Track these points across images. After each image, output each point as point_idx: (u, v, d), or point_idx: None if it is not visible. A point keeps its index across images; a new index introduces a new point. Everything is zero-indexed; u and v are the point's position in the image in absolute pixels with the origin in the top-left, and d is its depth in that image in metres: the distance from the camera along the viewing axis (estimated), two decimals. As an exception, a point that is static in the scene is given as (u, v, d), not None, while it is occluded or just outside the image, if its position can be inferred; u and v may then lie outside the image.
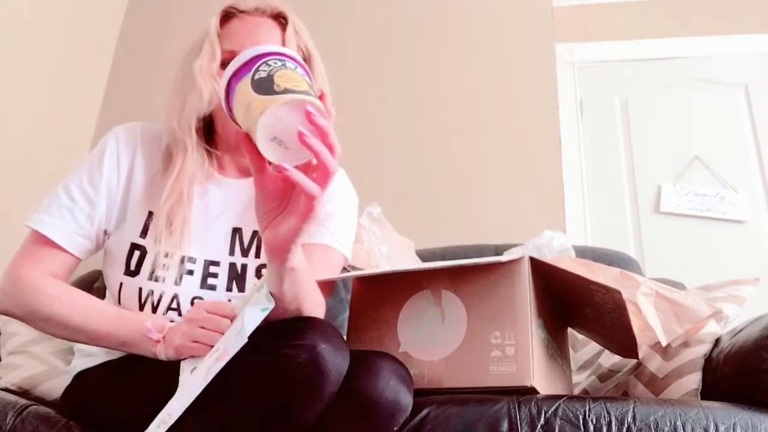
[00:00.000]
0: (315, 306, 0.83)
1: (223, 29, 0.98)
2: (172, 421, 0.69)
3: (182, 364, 0.79)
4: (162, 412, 0.71)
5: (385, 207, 1.70)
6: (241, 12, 1.00)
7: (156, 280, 0.91)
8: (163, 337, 0.83)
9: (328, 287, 0.98)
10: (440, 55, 2.25)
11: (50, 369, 1.30)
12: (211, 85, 0.93)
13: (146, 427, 0.73)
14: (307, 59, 1.01)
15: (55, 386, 1.25)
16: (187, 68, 0.96)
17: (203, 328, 0.79)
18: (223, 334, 0.78)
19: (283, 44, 0.97)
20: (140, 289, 0.91)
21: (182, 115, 0.95)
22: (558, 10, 2.36)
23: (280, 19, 1.01)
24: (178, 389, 0.73)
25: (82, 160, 0.99)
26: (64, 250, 0.92)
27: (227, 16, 1.00)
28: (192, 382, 0.72)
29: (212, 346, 0.78)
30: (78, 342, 0.92)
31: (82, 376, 0.95)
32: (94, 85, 2.30)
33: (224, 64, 0.95)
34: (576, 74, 2.40)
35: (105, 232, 0.96)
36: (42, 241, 0.91)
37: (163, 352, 0.82)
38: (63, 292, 0.89)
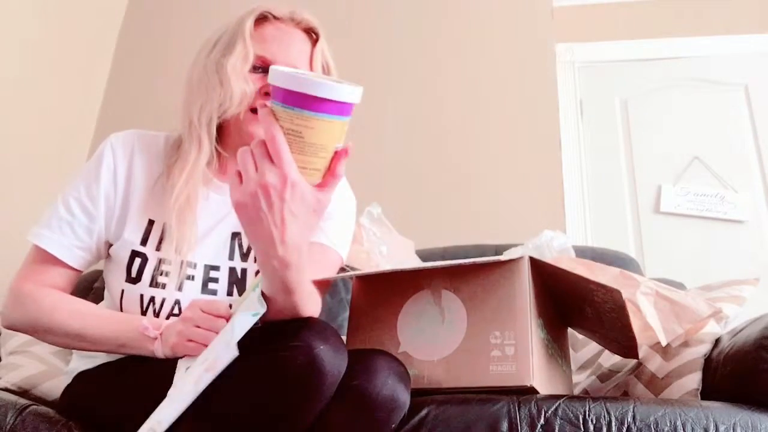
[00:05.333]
0: (312, 305, 0.83)
1: (255, 31, 0.97)
2: (161, 430, 0.69)
3: (179, 362, 0.79)
4: (150, 419, 0.71)
5: (385, 207, 1.70)
6: (276, 18, 0.99)
7: (157, 286, 0.91)
8: (160, 335, 0.83)
9: (324, 287, 0.98)
10: (440, 55, 2.26)
11: (50, 369, 1.31)
12: (242, 87, 0.93)
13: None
14: (327, 74, 1.02)
15: (55, 386, 1.25)
16: (213, 63, 0.95)
17: (198, 327, 0.79)
18: (218, 333, 0.78)
19: (311, 59, 1.00)
20: (141, 295, 0.91)
21: (203, 109, 0.94)
22: (558, 10, 2.36)
23: (312, 34, 1.02)
24: (168, 395, 0.73)
25: (79, 169, 0.98)
26: (65, 264, 0.92)
27: (261, 19, 0.99)
28: (182, 391, 0.71)
29: (207, 346, 0.78)
30: (80, 349, 0.92)
31: (81, 377, 0.95)
32: (94, 85, 2.30)
33: (254, 69, 0.95)
34: (576, 74, 2.41)
35: (107, 242, 0.96)
36: (42, 255, 0.92)
37: (160, 350, 0.82)
38: (61, 301, 0.90)
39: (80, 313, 0.88)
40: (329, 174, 0.68)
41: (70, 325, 0.87)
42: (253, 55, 0.95)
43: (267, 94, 0.94)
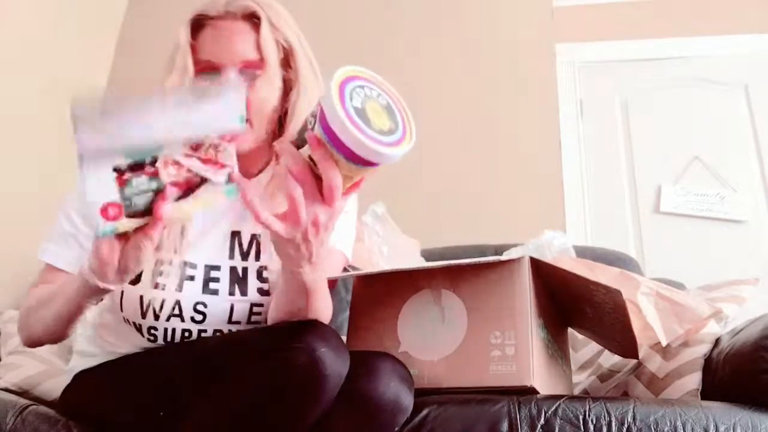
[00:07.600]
0: (326, 309, 0.82)
1: (196, 39, 0.93)
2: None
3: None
4: None
5: (386, 207, 1.70)
6: (212, 18, 0.94)
7: (157, 287, 0.90)
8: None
9: (329, 287, 0.98)
10: (440, 55, 2.26)
11: (50, 369, 1.31)
12: None
13: (144, 427, 0.72)
14: (288, 54, 0.95)
15: (55, 386, 1.25)
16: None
17: None
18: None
19: (259, 47, 0.92)
20: (141, 297, 0.90)
21: None
22: (558, 10, 2.36)
23: (253, 18, 0.94)
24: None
25: (77, 183, 0.98)
26: None
27: (198, 26, 0.94)
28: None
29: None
30: (61, 329, 0.86)
31: (81, 377, 0.95)
32: (94, 85, 2.30)
33: (201, 75, 0.91)
34: (576, 74, 2.40)
35: None
36: (51, 270, 0.92)
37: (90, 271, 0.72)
38: (31, 298, 0.89)
39: (44, 299, 0.85)
40: (353, 187, 0.68)
41: (43, 315, 0.84)
42: (197, 62, 0.91)
43: None
